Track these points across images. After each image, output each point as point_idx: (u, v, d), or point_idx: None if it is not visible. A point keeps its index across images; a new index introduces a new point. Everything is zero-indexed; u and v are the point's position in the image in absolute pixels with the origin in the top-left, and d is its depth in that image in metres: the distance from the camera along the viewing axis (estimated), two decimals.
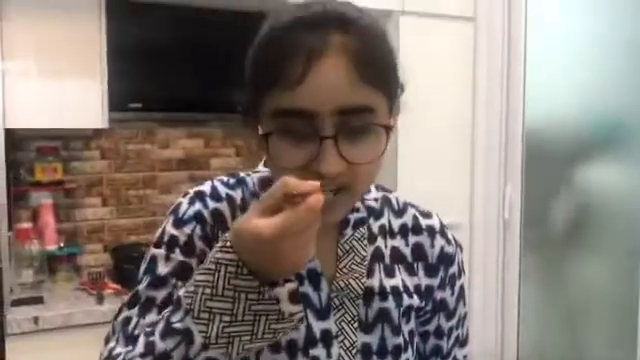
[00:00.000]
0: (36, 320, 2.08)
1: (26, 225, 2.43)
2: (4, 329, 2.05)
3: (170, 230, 0.79)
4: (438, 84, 2.75)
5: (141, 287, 0.78)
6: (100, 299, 2.24)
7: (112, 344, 0.76)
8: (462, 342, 0.96)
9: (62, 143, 2.62)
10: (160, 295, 0.77)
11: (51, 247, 2.48)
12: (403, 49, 3.03)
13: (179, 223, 0.79)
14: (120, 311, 0.80)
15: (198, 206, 0.79)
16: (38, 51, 2.30)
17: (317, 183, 0.64)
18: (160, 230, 0.81)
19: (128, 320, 0.77)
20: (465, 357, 0.96)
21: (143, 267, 0.80)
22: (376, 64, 0.72)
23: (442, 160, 2.78)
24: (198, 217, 0.79)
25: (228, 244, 0.66)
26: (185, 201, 0.81)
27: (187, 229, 0.78)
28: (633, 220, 2.24)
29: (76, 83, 2.36)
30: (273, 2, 2.49)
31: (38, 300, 2.22)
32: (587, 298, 2.56)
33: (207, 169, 2.93)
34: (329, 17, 0.71)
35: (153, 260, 0.79)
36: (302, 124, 0.69)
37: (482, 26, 2.82)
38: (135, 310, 0.77)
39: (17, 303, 2.17)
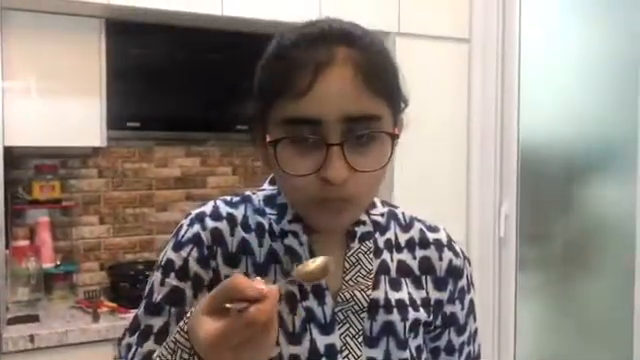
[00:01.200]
0: (32, 338, 2.08)
1: (23, 243, 2.43)
2: (0, 347, 2.05)
3: (169, 254, 0.82)
4: (434, 104, 2.78)
5: (140, 312, 0.83)
6: (96, 317, 2.24)
7: None
8: (474, 359, 0.95)
9: (60, 161, 2.63)
10: (157, 324, 0.80)
11: (47, 265, 2.48)
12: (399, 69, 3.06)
13: (177, 246, 0.82)
14: (124, 335, 0.84)
15: (196, 228, 0.82)
16: (39, 70, 2.33)
17: (263, 288, 0.64)
18: (162, 253, 0.84)
19: (129, 347, 0.82)
20: None
21: (147, 287, 0.84)
22: (381, 75, 0.74)
23: (438, 178, 2.81)
24: (195, 239, 0.81)
25: (185, 329, 0.68)
26: (185, 223, 0.83)
27: (184, 252, 0.81)
28: (627, 238, 2.25)
29: (76, 102, 2.38)
30: (269, 25, 2.54)
31: (34, 318, 2.22)
32: (583, 315, 2.57)
33: (204, 187, 2.95)
34: (335, 33, 0.74)
35: (152, 284, 0.83)
36: (310, 132, 0.72)
37: (477, 47, 2.86)
38: (134, 338, 0.81)
39: (13, 321, 2.16)
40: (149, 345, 0.80)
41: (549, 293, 2.79)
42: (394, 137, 0.76)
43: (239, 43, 2.63)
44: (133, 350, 0.81)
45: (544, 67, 2.75)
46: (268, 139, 0.74)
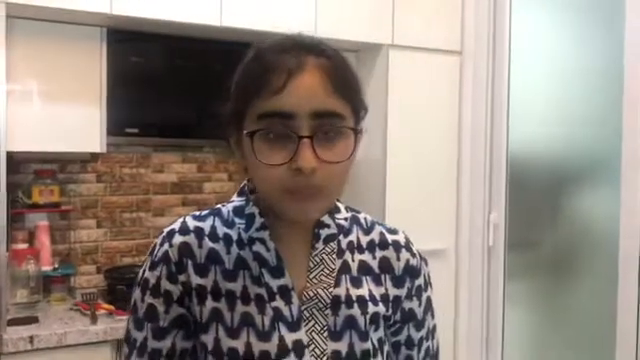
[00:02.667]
0: (31, 339, 2.12)
1: (22, 246, 2.48)
2: (0, 348, 2.09)
3: (147, 273, 0.90)
4: (425, 114, 2.86)
5: (130, 325, 0.92)
6: (94, 319, 2.29)
7: None
8: (433, 355, 1.02)
9: (59, 166, 2.68)
10: (139, 338, 0.90)
11: (46, 268, 2.52)
12: (392, 80, 3.17)
13: (152, 266, 0.90)
14: (123, 343, 0.94)
15: (166, 247, 0.89)
16: (41, 76, 2.38)
17: None
18: (141, 270, 0.92)
19: (126, 356, 0.92)
20: None
21: (131, 303, 0.92)
22: (344, 81, 0.84)
23: (429, 188, 2.87)
24: (164, 258, 0.89)
25: None
26: (158, 242, 0.91)
27: (157, 272, 0.89)
28: (610, 247, 2.32)
29: (76, 108, 2.43)
30: (266, 35, 2.59)
31: (33, 320, 2.26)
32: (568, 321, 2.64)
33: (200, 193, 3.00)
34: (305, 44, 0.85)
35: (135, 300, 0.91)
36: (283, 125, 0.81)
37: (468, 60, 2.94)
38: (126, 349, 0.92)
39: (12, 323, 2.20)
40: (134, 357, 0.90)
41: (536, 300, 2.86)
42: (357, 134, 0.85)
43: (236, 53, 2.68)
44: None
45: (533, 80, 2.83)
46: (245, 133, 0.82)
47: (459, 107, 2.96)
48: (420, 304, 0.99)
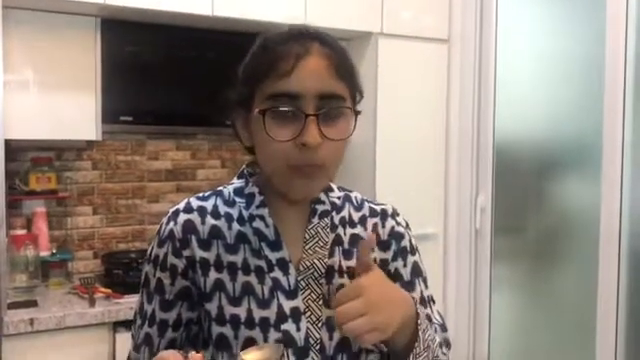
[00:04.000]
0: (32, 322, 2.19)
1: (20, 232, 2.53)
2: (0, 330, 2.15)
3: (155, 250, 0.98)
4: (414, 100, 2.92)
5: (143, 299, 1.01)
6: (92, 302, 2.35)
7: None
8: (440, 325, 1.05)
9: (55, 154, 2.74)
10: (150, 309, 0.99)
11: (44, 253, 2.58)
12: (382, 67, 3.22)
13: (160, 243, 0.98)
14: (135, 317, 1.03)
15: (171, 225, 0.97)
16: (37, 66, 2.43)
17: (187, 356, 0.82)
18: (150, 248, 1.00)
19: (136, 327, 1.02)
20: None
21: (142, 278, 1.01)
22: (345, 67, 0.93)
23: (417, 172, 2.94)
24: (170, 236, 0.97)
25: None
26: (164, 221, 0.99)
27: (164, 249, 0.97)
28: (591, 231, 2.39)
29: (71, 97, 2.48)
30: (256, 24, 2.65)
31: (32, 303, 2.33)
32: (553, 304, 2.72)
33: (194, 180, 3.06)
34: (310, 33, 0.93)
35: (146, 275, 1.00)
36: (291, 105, 0.88)
37: (455, 47, 3.00)
38: (139, 321, 1.01)
39: (13, 306, 2.26)
40: (145, 328, 0.99)
41: (520, 283, 2.94)
42: (356, 114, 0.94)
43: (228, 41, 2.74)
44: (137, 331, 1.01)
45: (518, 67, 2.89)
46: (257, 111, 0.90)
47: (447, 94, 3.02)
48: (405, 265, 1.05)
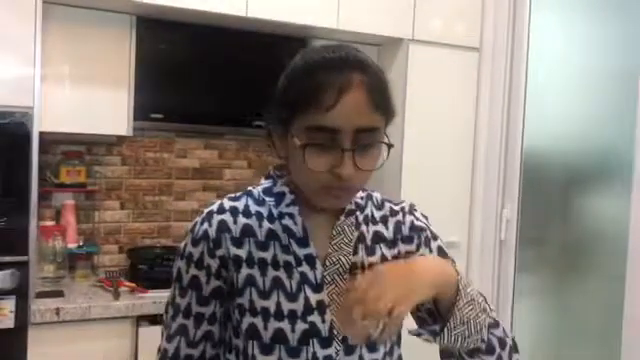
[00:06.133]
0: (58, 312, 2.23)
1: (49, 223, 2.58)
2: (28, 318, 2.19)
3: (189, 247, 1.02)
4: (442, 109, 2.91)
5: (175, 292, 1.04)
6: (117, 295, 2.38)
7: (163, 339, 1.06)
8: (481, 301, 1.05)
9: (86, 148, 2.78)
10: (183, 304, 1.03)
11: (71, 245, 2.63)
12: (411, 74, 3.22)
13: (194, 242, 1.02)
14: (166, 308, 1.06)
15: (205, 225, 1.02)
16: (73, 61, 2.47)
17: None
18: (182, 244, 1.04)
19: (168, 319, 1.05)
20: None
21: (174, 273, 1.04)
22: (382, 96, 0.96)
23: (443, 181, 2.93)
24: (205, 236, 1.01)
25: None
26: (199, 221, 1.03)
27: (200, 248, 1.01)
28: (619, 245, 2.36)
29: (105, 92, 2.53)
30: (289, 27, 2.67)
31: (59, 294, 2.37)
32: (576, 316, 2.69)
33: (220, 179, 3.09)
34: (351, 61, 0.95)
35: (179, 270, 1.03)
36: (329, 138, 0.93)
37: (487, 56, 2.99)
38: (171, 312, 1.04)
39: (40, 295, 2.31)
40: (179, 320, 1.03)
41: (545, 294, 2.91)
42: (389, 147, 0.97)
43: (260, 43, 2.77)
44: (169, 322, 1.04)
45: (550, 77, 2.87)
46: (298, 143, 0.94)
47: (476, 103, 3.01)
48: (431, 250, 1.10)
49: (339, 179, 0.93)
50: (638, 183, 2.30)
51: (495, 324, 1.04)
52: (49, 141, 2.65)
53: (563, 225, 2.81)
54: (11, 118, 2.20)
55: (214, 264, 1.00)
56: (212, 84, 2.78)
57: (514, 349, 1.08)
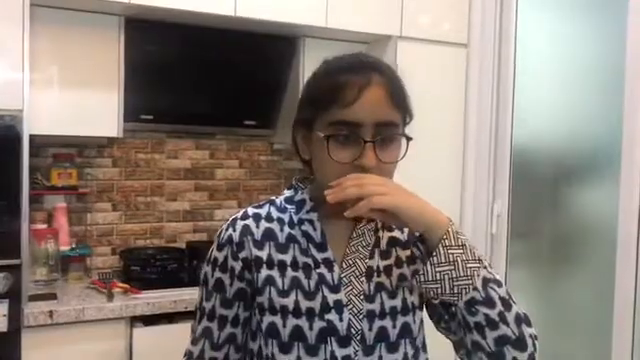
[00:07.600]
0: (51, 314, 2.22)
1: (41, 226, 2.58)
2: (21, 321, 2.19)
3: (214, 253, 1.08)
4: (432, 105, 2.92)
5: (203, 296, 1.09)
6: (110, 297, 2.39)
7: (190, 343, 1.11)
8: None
9: (77, 150, 2.78)
10: (209, 306, 1.08)
11: (64, 248, 2.63)
12: (400, 71, 3.21)
13: (220, 247, 1.07)
14: (196, 312, 1.11)
15: (230, 231, 1.07)
16: (61, 63, 2.47)
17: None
18: (210, 250, 1.10)
19: (196, 321, 1.10)
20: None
21: (202, 277, 1.10)
22: (399, 95, 1.02)
23: (434, 176, 2.94)
24: (229, 240, 1.06)
25: None
26: (224, 228, 1.09)
27: (224, 252, 1.06)
28: (608, 237, 2.39)
29: (94, 94, 2.52)
30: (279, 26, 2.68)
31: (52, 296, 2.36)
32: (569, 309, 2.71)
33: (212, 179, 3.09)
34: (369, 64, 1.03)
35: (205, 275, 1.09)
36: (351, 131, 0.98)
37: (474, 52, 3.01)
38: (197, 316, 1.10)
39: (33, 298, 2.30)
40: (204, 323, 1.08)
41: (536, 288, 2.94)
42: (408, 140, 1.04)
43: (250, 43, 2.77)
44: (195, 325, 1.10)
45: (537, 72, 2.89)
46: (322, 135, 0.99)
47: (465, 98, 3.03)
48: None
49: (362, 171, 0.97)
50: (626, 176, 2.33)
51: (496, 281, 0.99)
52: (40, 144, 2.65)
53: (553, 219, 2.83)
54: (1, 121, 2.20)
55: (237, 266, 1.04)
56: (202, 84, 2.79)
57: (526, 321, 1.01)
